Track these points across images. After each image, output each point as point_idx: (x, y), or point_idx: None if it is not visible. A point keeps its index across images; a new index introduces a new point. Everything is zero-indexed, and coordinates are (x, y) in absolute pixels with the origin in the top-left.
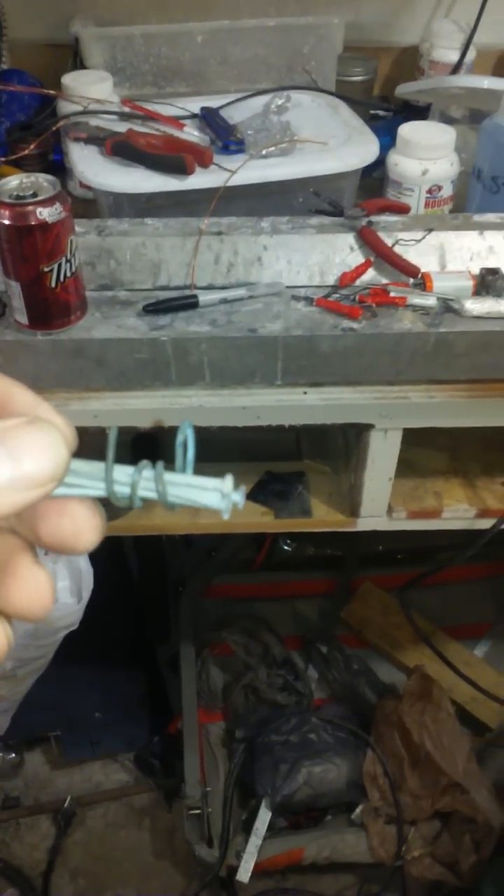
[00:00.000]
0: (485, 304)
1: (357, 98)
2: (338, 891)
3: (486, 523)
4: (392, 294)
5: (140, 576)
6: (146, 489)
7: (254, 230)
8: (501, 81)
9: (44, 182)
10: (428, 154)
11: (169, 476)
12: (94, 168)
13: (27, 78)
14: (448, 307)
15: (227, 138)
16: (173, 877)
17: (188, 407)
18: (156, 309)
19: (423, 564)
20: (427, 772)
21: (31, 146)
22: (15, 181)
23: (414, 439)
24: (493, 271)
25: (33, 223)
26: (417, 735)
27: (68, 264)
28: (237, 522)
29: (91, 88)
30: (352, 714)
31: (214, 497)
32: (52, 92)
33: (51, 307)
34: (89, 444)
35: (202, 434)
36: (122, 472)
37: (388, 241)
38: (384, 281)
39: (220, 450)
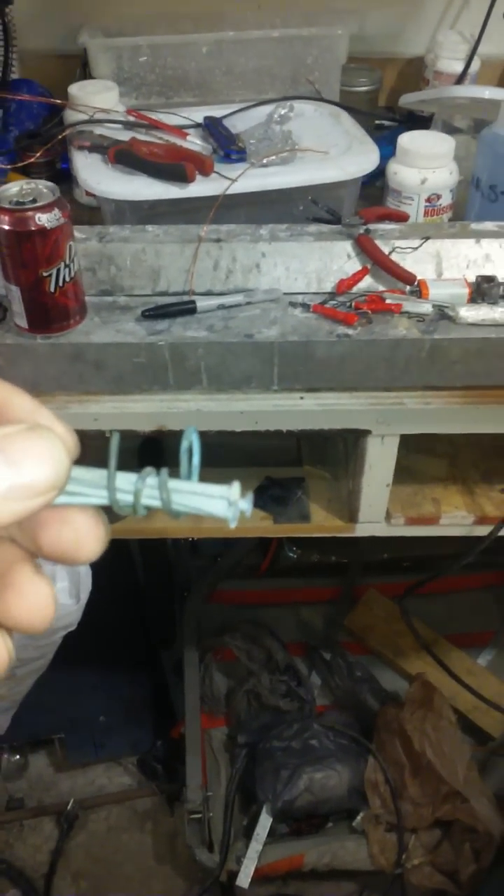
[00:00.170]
0: (479, 311)
1: (362, 108)
2: None
3: (483, 530)
4: (388, 301)
5: (145, 580)
6: (150, 497)
7: (252, 237)
8: (502, 91)
9: (43, 188)
10: (427, 163)
11: (173, 483)
12: (96, 176)
13: (36, 87)
14: (443, 314)
15: (228, 147)
16: (174, 880)
17: (186, 411)
18: (154, 314)
19: (428, 573)
20: (428, 780)
21: (38, 154)
22: (15, 187)
23: (413, 446)
24: (489, 279)
25: (32, 228)
26: (418, 743)
27: (67, 269)
28: (236, 527)
29: (97, 98)
30: (354, 721)
31: (221, 505)
32: (59, 101)
33: (50, 311)
34: (93, 450)
35: (202, 439)
36: (125, 480)
37: (385, 249)
38: (381, 288)
39: (220, 455)
